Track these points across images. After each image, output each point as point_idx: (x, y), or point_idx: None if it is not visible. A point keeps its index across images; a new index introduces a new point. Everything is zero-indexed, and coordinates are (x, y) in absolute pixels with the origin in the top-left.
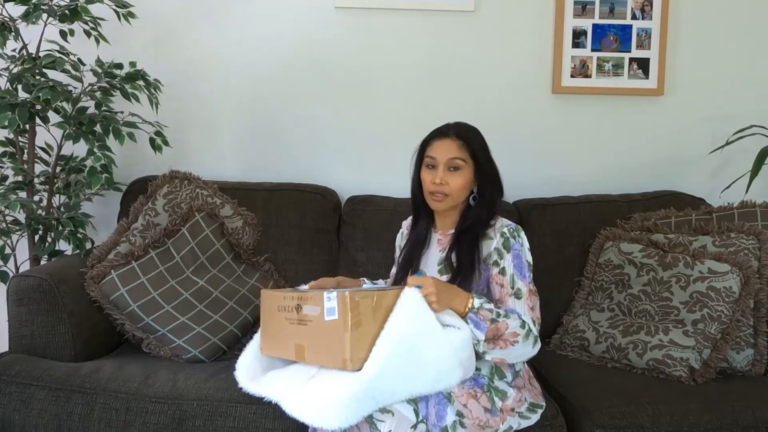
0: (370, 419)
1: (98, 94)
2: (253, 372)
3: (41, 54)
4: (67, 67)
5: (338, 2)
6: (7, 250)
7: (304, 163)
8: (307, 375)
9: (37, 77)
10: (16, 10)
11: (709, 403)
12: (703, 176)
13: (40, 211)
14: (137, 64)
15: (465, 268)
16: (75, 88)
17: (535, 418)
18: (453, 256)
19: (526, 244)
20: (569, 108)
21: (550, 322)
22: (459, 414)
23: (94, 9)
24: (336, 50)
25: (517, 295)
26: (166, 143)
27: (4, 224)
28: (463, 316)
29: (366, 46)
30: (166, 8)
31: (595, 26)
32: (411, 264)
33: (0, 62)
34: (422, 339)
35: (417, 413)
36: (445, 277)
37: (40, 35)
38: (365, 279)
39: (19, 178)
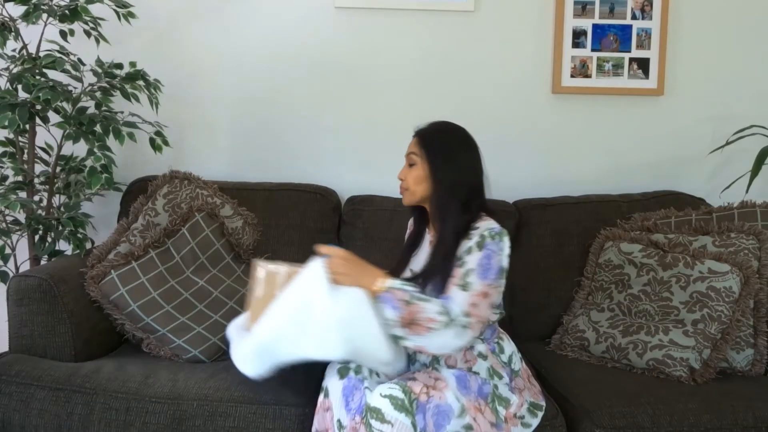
0: (369, 428)
1: (98, 94)
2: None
3: (41, 54)
4: (67, 67)
5: (338, 2)
6: (7, 250)
7: (304, 163)
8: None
9: (37, 77)
10: (16, 10)
11: (709, 403)
12: (703, 176)
13: (40, 211)
14: (137, 64)
15: (434, 267)
16: (75, 88)
17: (536, 423)
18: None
19: (506, 251)
20: (569, 108)
21: (550, 322)
22: (467, 427)
23: (94, 9)
24: (336, 50)
25: (464, 287)
26: (166, 143)
27: (4, 224)
28: (375, 296)
29: (366, 46)
30: (166, 8)
31: (595, 26)
32: (404, 263)
33: (0, 62)
34: (309, 307)
35: (415, 426)
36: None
37: (40, 35)
38: None
39: (19, 178)
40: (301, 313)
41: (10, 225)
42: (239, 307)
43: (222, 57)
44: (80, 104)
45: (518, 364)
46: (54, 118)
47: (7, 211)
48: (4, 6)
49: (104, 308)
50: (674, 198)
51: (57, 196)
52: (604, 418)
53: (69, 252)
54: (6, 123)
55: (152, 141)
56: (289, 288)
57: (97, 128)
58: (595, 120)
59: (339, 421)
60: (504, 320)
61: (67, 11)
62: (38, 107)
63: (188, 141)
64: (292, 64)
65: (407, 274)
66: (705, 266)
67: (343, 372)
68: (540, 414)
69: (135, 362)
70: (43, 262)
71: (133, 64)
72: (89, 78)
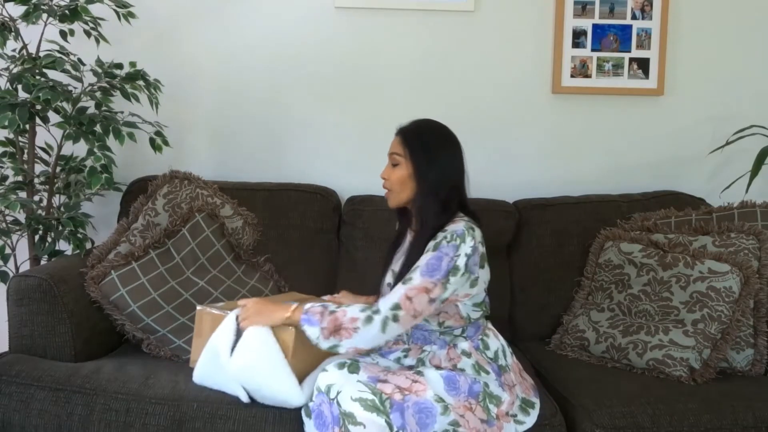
0: (346, 429)
1: (98, 94)
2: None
3: (41, 54)
4: (67, 67)
5: (338, 2)
6: (7, 250)
7: (304, 163)
8: None
9: (37, 77)
10: (16, 10)
11: (709, 403)
12: (703, 176)
13: (40, 211)
14: (137, 64)
15: (408, 267)
16: (75, 88)
17: (530, 421)
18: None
19: (465, 251)
20: (569, 108)
21: (550, 322)
22: (454, 423)
23: (94, 9)
24: (336, 50)
25: (405, 281)
26: (166, 143)
27: (4, 224)
28: (296, 324)
29: (366, 46)
30: (166, 8)
31: (595, 26)
32: (386, 263)
33: (0, 62)
34: (218, 356)
35: (390, 425)
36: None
37: (40, 35)
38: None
39: (19, 178)
40: (211, 363)
41: (10, 225)
42: None
43: (222, 57)
44: (80, 104)
45: (508, 359)
46: (54, 118)
47: (7, 211)
48: (4, 6)
49: (104, 309)
50: (674, 198)
51: (57, 196)
52: (604, 418)
53: (69, 252)
54: (6, 123)
55: (152, 141)
56: (210, 337)
57: (97, 128)
58: (595, 120)
59: None
60: (504, 320)
61: (67, 11)
62: (38, 107)
63: (188, 141)
64: (292, 64)
65: (389, 275)
66: (705, 266)
67: (307, 411)
68: (533, 412)
69: (135, 363)
70: (43, 262)
71: (133, 64)
72: (89, 78)
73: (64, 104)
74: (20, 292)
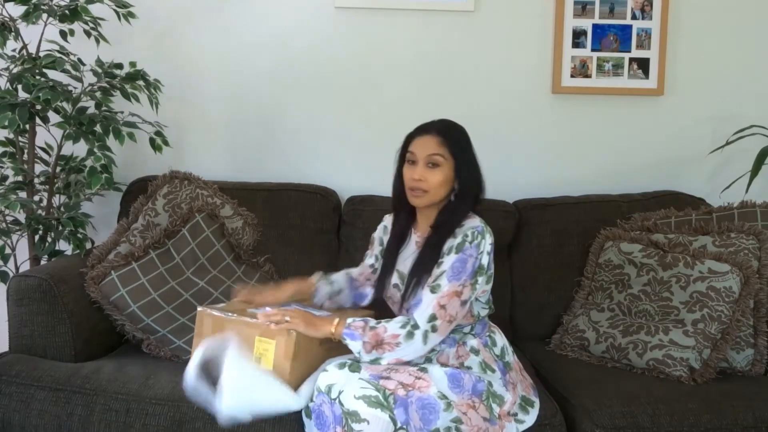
0: (349, 428)
1: (98, 94)
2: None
3: (41, 54)
4: (67, 67)
5: (338, 2)
6: (7, 250)
7: (304, 163)
8: None
9: (37, 77)
10: (16, 10)
11: (709, 403)
12: (703, 176)
13: (40, 211)
14: (137, 64)
15: (424, 266)
16: (75, 88)
17: (530, 420)
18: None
19: (486, 248)
20: (569, 108)
21: (550, 322)
22: (456, 420)
23: (94, 9)
24: (336, 50)
25: (433, 289)
26: (166, 143)
27: (4, 224)
28: (337, 338)
29: (366, 46)
30: (166, 8)
31: (595, 26)
32: (390, 263)
33: (0, 62)
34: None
35: (394, 421)
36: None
37: (40, 35)
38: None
39: (19, 178)
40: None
41: (10, 225)
42: None
43: (222, 57)
44: (80, 104)
45: (511, 356)
46: (54, 118)
47: (7, 211)
48: (4, 6)
49: (104, 309)
50: (674, 198)
51: (57, 196)
52: (604, 418)
53: (69, 252)
54: (6, 123)
55: (152, 141)
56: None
57: (97, 128)
58: (595, 120)
59: None
60: (504, 320)
61: (67, 11)
62: (38, 107)
63: (188, 141)
64: (291, 64)
65: (395, 276)
66: (705, 266)
67: (308, 411)
68: (532, 411)
69: (135, 363)
70: (43, 262)
71: (133, 64)
72: (89, 78)
73: (64, 104)
74: (20, 292)
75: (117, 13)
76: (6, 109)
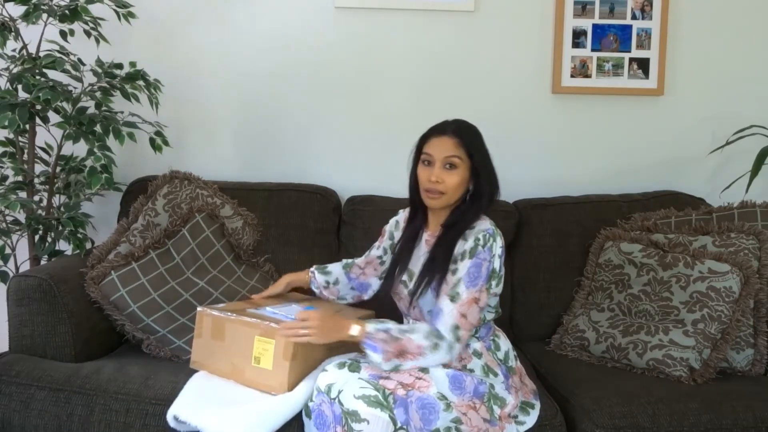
0: (349, 428)
1: (98, 94)
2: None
3: (41, 54)
4: (67, 67)
5: (338, 2)
6: (7, 250)
7: (305, 163)
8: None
9: (37, 77)
10: (16, 10)
11: (709, 403)
12: (703, 176)
13: (40, 211)
14: (137, 64)
15: (435, 266)
16: (75, 88)
17: (530, 421)
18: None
19: (498, 251)
20: (569, 108)
21: (550, 322)
22: (456, 420)
23: (94, 9)
24: (336, 50)
25: (453, 298)
26: (166, 143)
27: (4, 224)
28: (357, 344)
29: (366, 46)
30: (166, 8)
31: (595, 26)
32: (401, 261)
33: (0, 62)
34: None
35: (394, 420)
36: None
37: (40, 35)
38: (315, 268)
39: (19, 178)
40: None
41: (10, 225)
42: None
43: (222, 57)
44: (80, 104)
45: (514, 361)
46: (54, 118)
47: (7, 211)
48: (4, 6)
49: (104, 309)
50: (674, 198)
51: (57, 196)
52: (604, 418)
53: (69, 252)
54: (6, 123)
55: (152, 141)
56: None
57: (97, 128)
58: (595, 120)
59: None
60: (504, 320)
61: (67, 11)
62: (38, 107)
63: (188, 141)
64: (291, 64)
65: (405, 275)
66: (705, 266)
67: (307, 411)
68: (533, 412)
69: (135, 363)
70: (43, 262)
71: (133, 64)
72: (89, 78)
73: (64, 104)
74: (20, 292)
75: (117, 13)
76: (6, 109)
